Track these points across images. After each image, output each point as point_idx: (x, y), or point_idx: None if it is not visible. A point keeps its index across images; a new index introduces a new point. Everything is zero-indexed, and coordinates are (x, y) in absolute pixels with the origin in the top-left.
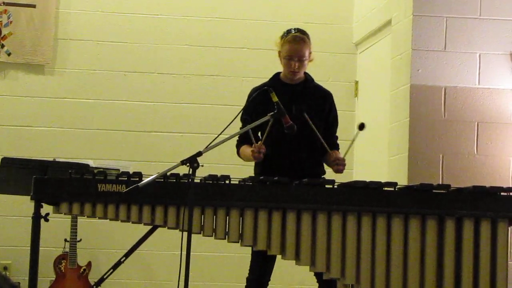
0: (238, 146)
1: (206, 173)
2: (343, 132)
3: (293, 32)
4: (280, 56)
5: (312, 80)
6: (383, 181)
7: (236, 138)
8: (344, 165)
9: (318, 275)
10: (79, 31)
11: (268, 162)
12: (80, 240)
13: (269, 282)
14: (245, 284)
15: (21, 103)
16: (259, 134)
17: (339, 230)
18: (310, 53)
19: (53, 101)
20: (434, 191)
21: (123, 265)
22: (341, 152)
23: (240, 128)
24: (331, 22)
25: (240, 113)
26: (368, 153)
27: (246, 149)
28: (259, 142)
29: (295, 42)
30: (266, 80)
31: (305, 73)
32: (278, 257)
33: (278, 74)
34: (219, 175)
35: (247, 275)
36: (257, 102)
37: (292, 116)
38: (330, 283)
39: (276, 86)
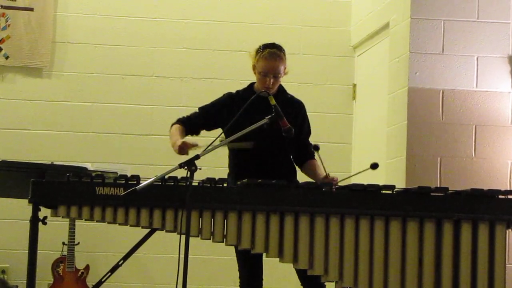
0: (178, 121)
1: (204, 176)
2: (341, 136)
3: (269, 48)
4: (255, 70)
5: (285, 92)
6: (381, 184)
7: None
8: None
9: (302, 276)
10: (77, 35)
11: (238, 168)
12: (78, 243)
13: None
14: None
15: (19, 106)
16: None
17: (337, 233)
18: (285, 68)
19: (51, 104)
20: (432, 194)
21: (121, 268)
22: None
23: (197, 112)
24: (329, 25)
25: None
26: (366, 156)
27: (177, 133)
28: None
29: (272, 59)
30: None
31: (279, 85)
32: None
33: (253, 84)
34: (217, 178)
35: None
36: (225, 107)
37: (264, 129)
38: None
39: (249, 97)
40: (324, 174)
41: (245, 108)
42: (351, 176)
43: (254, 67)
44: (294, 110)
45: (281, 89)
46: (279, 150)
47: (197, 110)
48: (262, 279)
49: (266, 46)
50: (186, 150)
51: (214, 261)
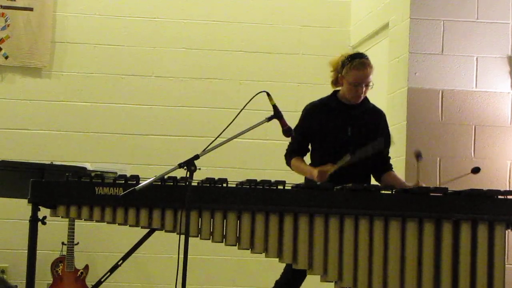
0: (289, 155)
1: (203, 176)
2: None
3: (358, 58)
4: (344, 79)
5: (368, 101)
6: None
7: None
8: None
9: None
10: (76, 34)
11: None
12: (78, 243)
13: None
14: (244, 286)
15: (18, 106)
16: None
17: (336, 233)
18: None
19: (50, 104)
20: (431, 194)
21: (121, 268)
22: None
23: (292, 140)
24: (329, 25)
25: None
26: None
27: (303, 165)
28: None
29: (363, 68)
30: (321, 97)
31: None
32: None
33: (336, 92)
34: (216, 178)
35: (244, 278)
36: (312, 118)
37: (347, 137)
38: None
39: (333, 105)
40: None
41: (329, 116)
42: (451, 180)
43: (341, 78)
44: (375, 119)
45: (365, 99)
46: (363, 162)
47: (294, 134)
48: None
49: (354, 57)
50: (326, 175)
51: (214, 261)
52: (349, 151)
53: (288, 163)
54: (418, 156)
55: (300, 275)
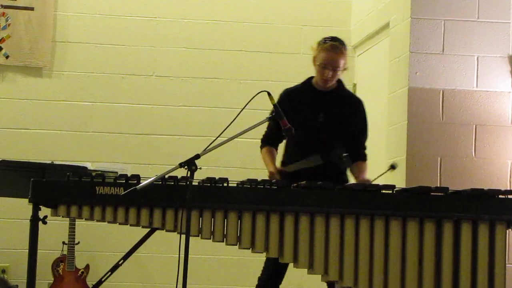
0: (263, 143)
1: (204, 176)
2: None
3: (332, 41)
4: (315, 62)
5: (344, 87)
6: (381, 183)
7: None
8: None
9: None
10: (77, 34)
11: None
12: (78, 242)
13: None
14: (244, 285)
15: (19, 105)
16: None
17: (337, 232)
18: (345, 63)
19: (51, 103)
20: (432, 194)
21: (121, 267)
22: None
23: (267, 127)
24: (329, 25)
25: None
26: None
27: (267, 159)
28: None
29: (333, 52)
30: (297, 83)
31: (338, 80)
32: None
33: (311, 78)
34: (217, 177)
35: (245, 277)
36: (286, 104)
37: (319, 123)
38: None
39: (307, 91)
40: (366, 178)
41: (301, 102)
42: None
43: (314, 59)
44: (350, 106)
45: (340, 85)
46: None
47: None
48: (281, 279)
49: (328, 39)
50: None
51: (214, 261)
52: (320, 137)
53: (260, 147)
54: (392, 167)
55: (282, 269)
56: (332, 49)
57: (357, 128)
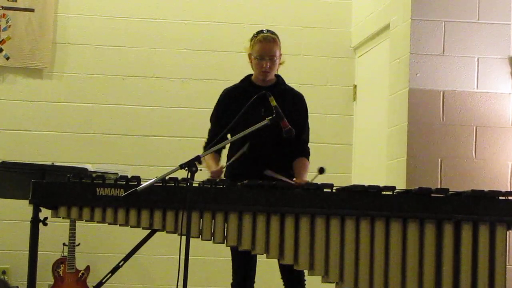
0: (204, 147)
1: (204, 177)
2: (341, 137)
3: (264, 32)
4: (251, 57)
5: (284, 82)
6: (381, 185)
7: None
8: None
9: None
10: (77, 35)
11: (235, 167)
12: (79, 244)
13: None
14: None
15: (20, 107)
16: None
17: (337, 234)
18: (280, 54)
19: (52, 105)
20: (432, 195)
21: (122, 269)
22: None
23: (209, 130)
24: (329, 26)
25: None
26: (367, 157)
27: (210, 161)
28: (218, 169)
29: (266, 42)
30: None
31: (277, 76)
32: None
33: (249, 76)
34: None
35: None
36: (225, 104)
37: (260, 119)
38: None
39: (247, 88)
40: (306, 179)
41: (242, 99)
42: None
43: (250, 56)
44: (291, 101)
45: (280, 80)
46: (277, 147)
47: (210, 125)
48: (254, 281)
49: (259, 32)
50: (219, 174)
51: (215, 262)
52: (263, 132)
53: (203, 152)
54: (320, 171)
55: (250, 270)
56: (265, 39)
57: (299, 123)
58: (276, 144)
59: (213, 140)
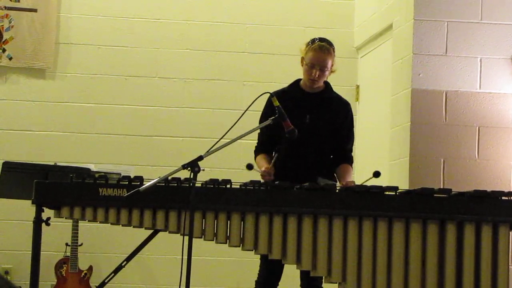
0: (256, 152)
1: (207, 177)
2: None
3: (320, 41)
4: (303, 62)
5: (331, 90)
6: (384, 185)
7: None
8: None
9: (304, 277)
10: (80, 36)
11: (278, 167)
12: (81, 244)
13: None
14: (247, 287)
15: (22, 107)
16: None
17: (340, 234)
18: (332, 65)
19: (54, 105)
20: (435, 195)
21: (124, 269)
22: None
23: (259, 134)
24: (332, 27)
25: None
26: (369, 158)
27: (261, 162)
28: (268, 167)
29: (321, 52)
30: (285, 85)
31: (326, 83)
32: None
33: (298, 80)
34: (220, 179)
35: (248, 279)
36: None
37: (305, 125)
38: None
39: (295, 93)
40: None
41: (289, 104)
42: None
43: (302, 60)
44: (337, 108)
45: (328, 87)
46: (320, 150)
47: (259, 130)
48: (279, 279)
49: (316, 39)
50: (269, 174)
51: (217, 263)
52: (306, 138)
53: (255, 158)
54: (376, 174)
55: (279, 268)
56: (320, 49)
57: (343, 130)
58: (319, 151)
59: (262, 144)
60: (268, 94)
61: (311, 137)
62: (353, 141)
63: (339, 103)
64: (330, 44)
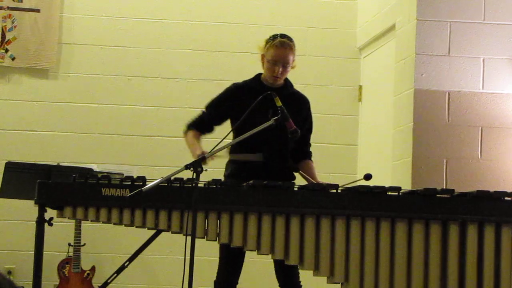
0: (191, 126)
1: (209, 178)
2: (346, 137)
3: (280, 37)
4: (264, 59)
5: (291, 85)
6: (386, 185)
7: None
8: None
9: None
10: (83, 36)
11: (239, 163)
12: (84, 244)
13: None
14: (250, 287)
15: (25, 107)
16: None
17: (342, 234)
18: (293, 60)
19: (57, 105)
20: (438, 195)
21: (127, 269)
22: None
23: (202, 112)
24: (335, 27)
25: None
26: (372, 158)
27: (195, 143)
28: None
29: (282, 48)
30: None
31: (285, 79)
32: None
33: (259, 74)
34: (222, 179)
35: (250, 279)
36: (233, 99)
37: (267, 120)
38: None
39: (256, 87)
40: (317, 179)
41: (250, 98)
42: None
43: (263, 57)
44: (298, 104)
45: (288, 83)
46: (282, 144)
47: (204, 110)
48: (238, 277)
49: (277, 36)
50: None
51: None
52: (268, 134)
53: (185, 131)
54: (367, 177)
55: (239, 267)
56: (282, 45)
57: (304, 126)
58: (282, 146)
59: (201, 122)
60: (268, 94)
61: (273, 132)
62: (310, 136)
63: (301, 100)
64: (290, 39)
